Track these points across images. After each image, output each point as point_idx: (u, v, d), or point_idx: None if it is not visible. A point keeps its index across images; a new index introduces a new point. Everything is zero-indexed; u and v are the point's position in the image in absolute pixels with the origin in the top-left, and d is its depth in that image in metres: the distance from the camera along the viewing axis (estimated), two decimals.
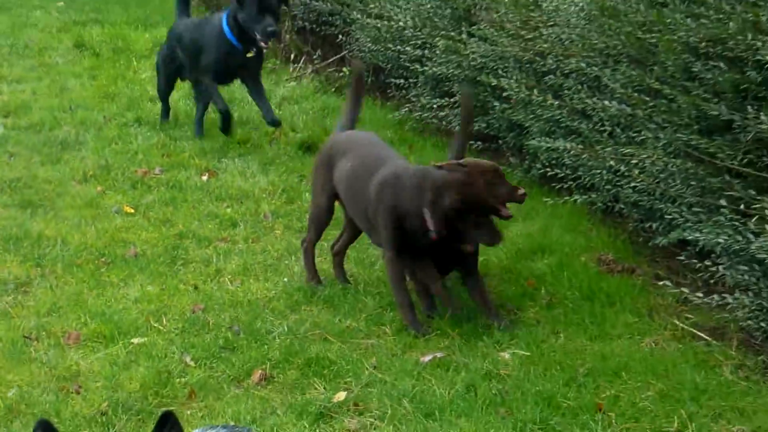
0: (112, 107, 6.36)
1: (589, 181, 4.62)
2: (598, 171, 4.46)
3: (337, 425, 3.11)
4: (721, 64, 3.76)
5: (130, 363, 3.73)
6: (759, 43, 3.56)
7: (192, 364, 3.66)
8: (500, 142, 5.43)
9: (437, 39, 5.45)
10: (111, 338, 3.84)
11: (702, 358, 3.60)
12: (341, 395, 3.30)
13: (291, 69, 6.57)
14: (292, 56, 6.36)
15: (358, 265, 4.33)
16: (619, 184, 4.39)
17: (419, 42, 5.69)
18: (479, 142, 5.37)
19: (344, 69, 6.15)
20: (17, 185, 5.27)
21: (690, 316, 3.97)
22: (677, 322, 3.95)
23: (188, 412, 3.32)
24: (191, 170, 5.39)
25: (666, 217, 4.05)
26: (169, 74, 5.79)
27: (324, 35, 6.59)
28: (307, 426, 3.13)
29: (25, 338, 3.92)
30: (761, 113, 3.47)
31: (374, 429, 3.15)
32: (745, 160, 3.61)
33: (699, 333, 3.95)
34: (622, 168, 4.20)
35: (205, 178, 5.35)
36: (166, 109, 5.85)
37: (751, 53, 3.61)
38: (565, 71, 4.70)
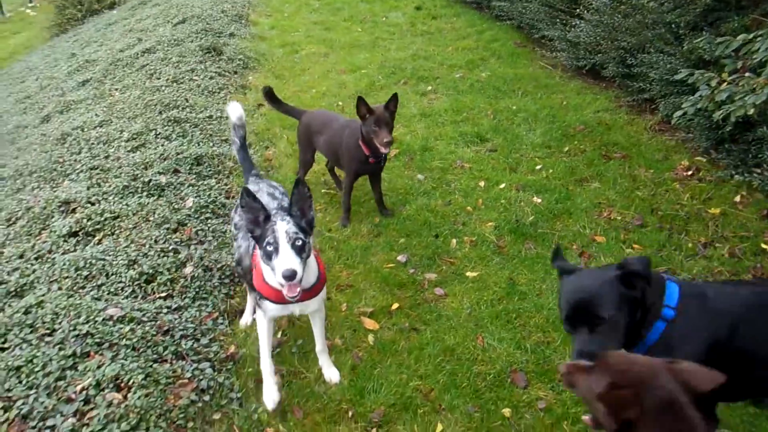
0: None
1: None
2: None
3: None
4: None
5: (359, 79, 6.34)
6: None
7: (381, 79, 6.30)
8: None
9: None
10: (354, 71, 6.66)
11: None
12: None
13: None
14: None
15: None
16: None
17: None
18: None
19: None
20: (333, 68, 7.06)
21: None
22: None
23: (380, 94, 5.73)
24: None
25: None
26: None
27: None
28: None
29: (327, 72, 6.70)
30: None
31: None
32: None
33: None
34: None
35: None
36: None
37: None
38: None
